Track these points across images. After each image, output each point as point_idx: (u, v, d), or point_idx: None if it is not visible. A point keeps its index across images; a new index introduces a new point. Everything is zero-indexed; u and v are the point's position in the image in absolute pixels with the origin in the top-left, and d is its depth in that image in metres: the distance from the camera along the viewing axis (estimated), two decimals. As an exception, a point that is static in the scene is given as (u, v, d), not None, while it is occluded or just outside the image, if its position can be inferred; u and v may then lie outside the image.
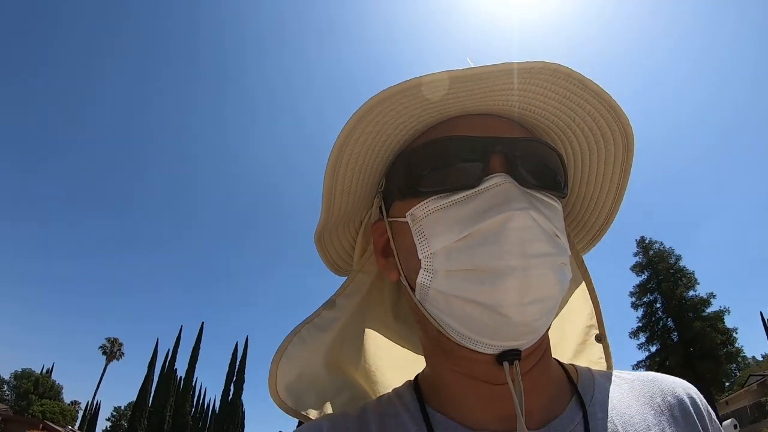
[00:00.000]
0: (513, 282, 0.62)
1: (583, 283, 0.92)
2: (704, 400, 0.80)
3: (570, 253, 0.71)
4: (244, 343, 79.14)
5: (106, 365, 75.22)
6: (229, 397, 76.09)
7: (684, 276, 41.63)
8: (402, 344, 0.97)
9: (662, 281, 41.86)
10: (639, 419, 0.74)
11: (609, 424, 0.72)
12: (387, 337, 0.96)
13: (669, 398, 0.78)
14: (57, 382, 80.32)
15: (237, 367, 77.11)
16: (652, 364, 40.86)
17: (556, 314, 0.78)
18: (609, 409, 0.74)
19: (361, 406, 0.82)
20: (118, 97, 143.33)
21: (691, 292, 40.64)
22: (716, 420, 0.79)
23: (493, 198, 0.66)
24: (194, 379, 78.49)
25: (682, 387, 0.81)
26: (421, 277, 0.70)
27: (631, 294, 44.12)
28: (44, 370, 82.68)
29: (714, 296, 39.82)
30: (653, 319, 42.31)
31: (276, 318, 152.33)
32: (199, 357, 77.18)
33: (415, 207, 0.71)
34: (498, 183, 0.67)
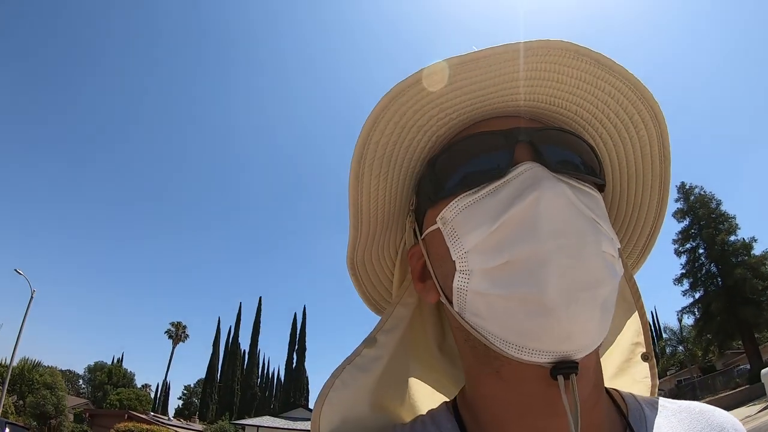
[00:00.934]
0: (552, 267, 0.56)
1: (632, 300, 0.86)
2: None
3: (619, 245, 0.66)
4: (302, 313, 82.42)
5: (173, 348, 78.77)
6: (293, 366, 79.36)
7: (726, 221, 41.08)
8: (445, 380, 0.91)
9: (704, 227, 41.42)
10: None
11: None
12: (430, 371, 0.90)
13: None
14: (128, 370, 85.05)
15: (298, 336, 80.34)
16: (697, 310, 41.21)
17: None
18: None
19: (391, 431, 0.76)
20: (163, 85, 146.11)
21: (732, 237, 40.23)
22: None
23: (521, 183, 0.61)
24: (258, 352, 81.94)
25: (730, 424, 0.76)
26: (457, 281, 0.64)
27: (674, 241, 43.79)
28: (115, 360, 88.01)
29: (756, 240, 39.43)
30: (696, 265, 42.11)
31: (331, 284, 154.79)
32: (260, 330, 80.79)
33: (444, 209, 0.67)
34: (525, 169, 0.63)
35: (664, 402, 0.78)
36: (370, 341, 0.79)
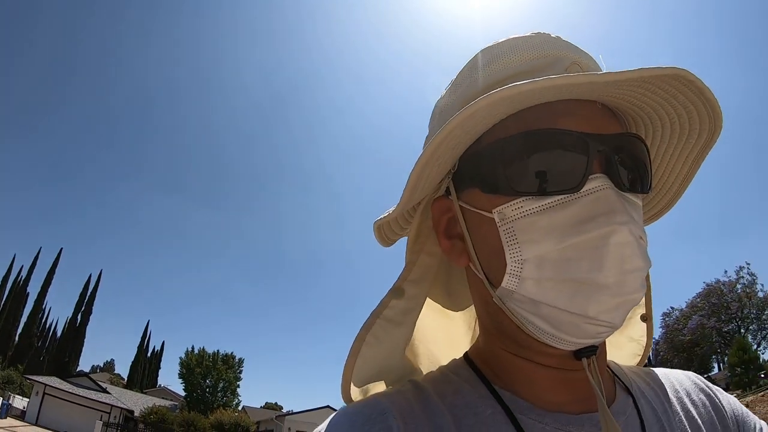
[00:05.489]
0: (607, 296, 0.60)
1: None
2: (707, 381, 0.86)
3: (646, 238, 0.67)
4: (98, 276, 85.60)
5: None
6: (76, 325, 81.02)
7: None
8: (451, 324, 0.94)
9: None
10: (668, 406, 0.78)
11: (651, 410, 0.76)
12: (443, 317, 0.93)
13: (685, 385, 0.83)
14: None
15: (87, 297, 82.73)
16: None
17: None
18: (647, 396, 0.78)
19: (410, 383, 0.76)
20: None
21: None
22: (724, 393, 0.85)
23: (593, 205, 0.61)
24: (45, 302, 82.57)
25: (692, 375, 0.88)
26: (507, 282, 0.65)
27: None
28: None
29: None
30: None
31: (134, 254, 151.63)
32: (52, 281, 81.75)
33: (504, 205, 0.64)
34: (598, 187, 0.62)
35: (631, 367, 0.88)
36: (397, 292, 0.77)
